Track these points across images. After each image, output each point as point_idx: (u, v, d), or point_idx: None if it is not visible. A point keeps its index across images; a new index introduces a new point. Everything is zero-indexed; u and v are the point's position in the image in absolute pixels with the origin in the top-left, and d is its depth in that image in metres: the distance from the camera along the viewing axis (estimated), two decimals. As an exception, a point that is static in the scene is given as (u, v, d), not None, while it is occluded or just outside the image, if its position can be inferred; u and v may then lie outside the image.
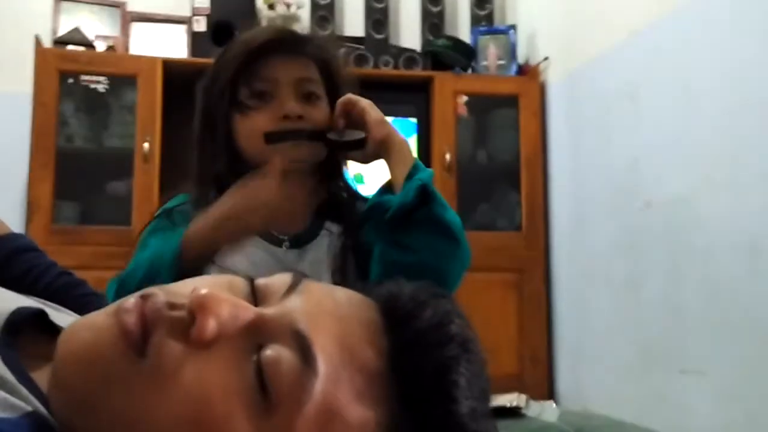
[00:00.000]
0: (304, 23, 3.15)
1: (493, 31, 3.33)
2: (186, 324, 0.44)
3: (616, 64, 2.67)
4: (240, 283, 0.49)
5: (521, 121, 3.14)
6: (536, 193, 3.11)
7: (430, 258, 1.03)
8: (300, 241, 1.12)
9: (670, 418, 2.21)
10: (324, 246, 1.13)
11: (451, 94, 3.11)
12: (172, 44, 3.09)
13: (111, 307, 0.46)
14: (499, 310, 2.96)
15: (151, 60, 2.90)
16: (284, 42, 1.12)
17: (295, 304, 0.47)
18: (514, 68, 3.26)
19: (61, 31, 3.02)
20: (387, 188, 1.10)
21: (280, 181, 1.06)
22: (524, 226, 3.09)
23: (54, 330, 0.53)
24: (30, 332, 0.52)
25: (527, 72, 3.23)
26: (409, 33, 3.41)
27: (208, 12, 3.10)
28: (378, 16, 3.26)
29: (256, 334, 0.45)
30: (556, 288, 3.06)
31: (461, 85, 3.14)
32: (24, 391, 0.45)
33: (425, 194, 1.03)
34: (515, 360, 2.97)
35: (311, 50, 1.14)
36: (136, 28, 3.12)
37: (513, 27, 3.33)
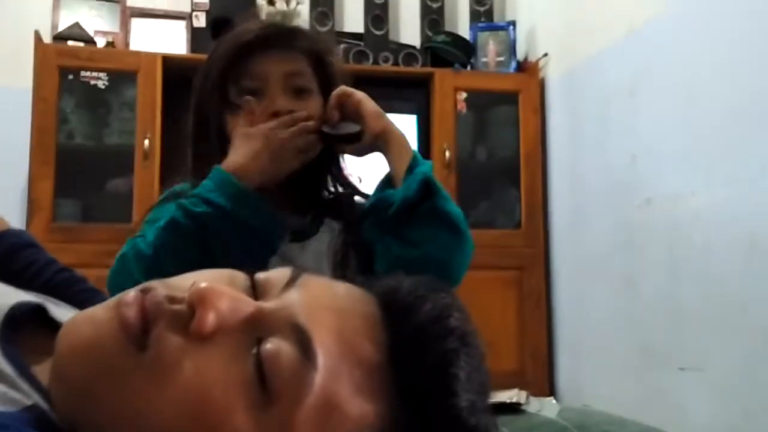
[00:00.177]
0: (303, 19, 3.15)
1: (493, 28, 3.33)
2: (186, 317, 0.44)
3: (615, 60, 2.67)
4: (240, 277, 0.49)
5: (521, 118, 3.14)
6: (536, 189, 3.11)
7: (435, 251, 1.03)
8: (301, 236, 1.12)
9: (669, 415, 2.21)
10: (325, 241, 1.12)
11: (450, 91, 3.11)
12: (171, 40, 3.09)
13: (111, 301, 0.46)
14: (499, 308, 2.96)
15: (151, 56, 2.90)
16: (272, 37, 1.11)
17: (294, 297, 0.47)
18: (513, 65, 3.26)
19: (61, 27, 3.02)
20: (387, 182, 1.09)
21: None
22: (524, 223, 3.09)
23: (54, 325, 0.53)
24: (30, 327, 0.52)
25: (527, 68, 3.23)
26: (408, 29, 3.40)
27: (207, 7, 3.10)
28: (377, 12, 3.26)
29: (256, 327, 0.45)
30: (556, 285, 3.07)
31: (461, 82, 3.14)
32: (24, 385, 0.45)
33: (428, 187, 1.03)
34: (515, 356, 2.97)
35: (300, 43, 1.12)
36: (135, 23, 3.12)
37: (512, 23, 3.33)
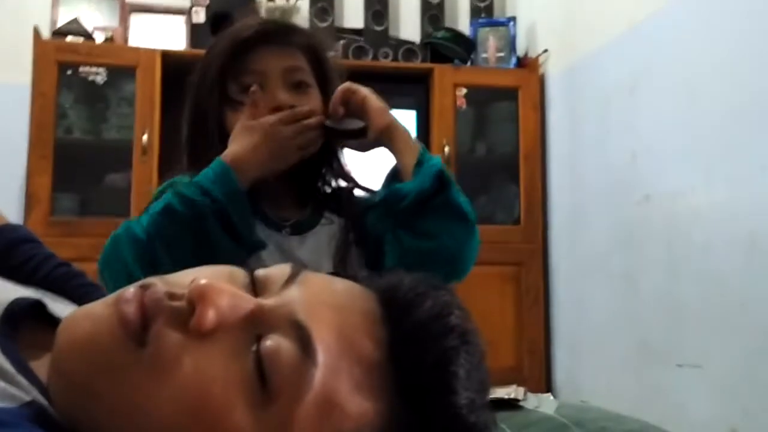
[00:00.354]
0: (303, 15, 3.15)
1: (493, 23, 3.32)
2: (185, 314, 0.44)
3: (615, 57, 2.66)
4: (240, 273, 0.49)
5: (520, 114, 3.14)
6: (535, 186, 3.11)
7: (449, 242, 1.05)
8: (300, 228, 1.12)
9: (667, 412, 2.21)
10: (324, 234, 1.12)
11: (450, 87, 3.11)
12: (171, 35, 3.08)
13: (110, 297, 0.46)
14: (497, 304, 2.97)
15: (150, 51, 2.89)
16: (270, 33, 1.11)
17: (294, 294, 0.47)
18: (513, 61, 3.26)
19: (60, 22, 3.01)
20: (394, 175, 1.10)
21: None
22: (523, 220, 3.09)
23: (52, 320, 0.53)
24: (28, 323, 0.52)
25: (527, 64, 3.22)
26: (408, 25, 3.40)
27: (207, 3, 3.09)
28: (377, 8, 3.25)
29: (256, 324, 0.45)
30: (555, 281, 3.07)
31: (460, 78, 3.14)
32: (23, 380, 0.45)
33: (442, 180, 1.04)
34: (513, 353, 2.97)
35: (297, 39, 1.13)
36: (135, 19, 3.11)
37: (513, 19, 3.32)
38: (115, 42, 3.02)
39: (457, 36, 3.26)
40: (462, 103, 3.12)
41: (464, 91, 3.12)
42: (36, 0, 3.08)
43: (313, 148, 1.09)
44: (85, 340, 0.44)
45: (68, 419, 0.44)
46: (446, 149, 3.03)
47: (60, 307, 0.57)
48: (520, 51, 3.30)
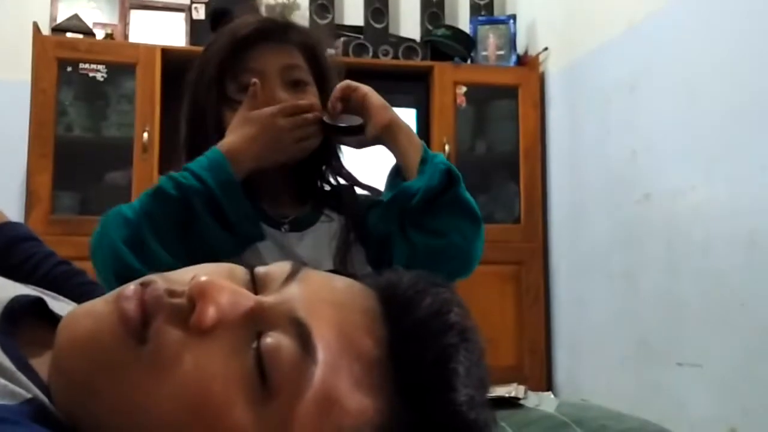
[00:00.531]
0: (303, 11, 3.14)
1: (493, 21, 3.32)
2: (186, 311, 0.44)
3: (615, 55, 2.66)
4: (240, 271, 0.49)
5: (520, 112, 3.14)
6: (535, 184, 3.11)
7: (458, 240, 1.06)
8: (299, 225, 1.12)
9: (667, 410, 2.22)
10: (324, 232, 1.13)
11: (450, 85, 3.11)
12: (171, 32, 3.08)
13: (111, 294, 0.46)
14: (497, 302, 2.97)
15: (150, 48, 2.89)
16: (267, 31, 1.12)
17: (294, 292, 0.47)
18: (513, 59, 3.25)
19: (60, 19, 3.01)
20: (396, 173, 1.10)
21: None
22: (523, 218, 3.09)
23: (52, 318, 0.53)
24: (28, 320, 0.52)
25: (527, 62, 3.22)
26: (408, 22, 3.40)
27: (207, 0, 3.09)
28: (377, 5, 3.25)
29: (256, 321, 0.45)
30: (555, 280, 3.07)
31: (460, 76, 3.14)
32: (23, 378, 0.45)
33: (451, 177, 1.04)
34: (514, 351, 2.98)
35: (295, 37, 1.13)
36: (135, 15, 3.11)
37: (513, 17, 3.32)
38: (115, 39, 3.02)
39: (457, 34, 3.25)
40: (462, 101, 3.12)
41: (464, 89, 3.12)
42: (36, -4, 3.08)
43: (312, 144, 1.09)
44: (85, 338, 0.44)
45: (69, 417, 0.44)
46: (446, 147, 3.03)
47: (60, 306, 0.57)
48: (520, 49, 3.30)
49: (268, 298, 0.46)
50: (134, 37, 3.05)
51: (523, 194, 3.10)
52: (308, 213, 1.14)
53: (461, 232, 1.06)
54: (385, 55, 3.16)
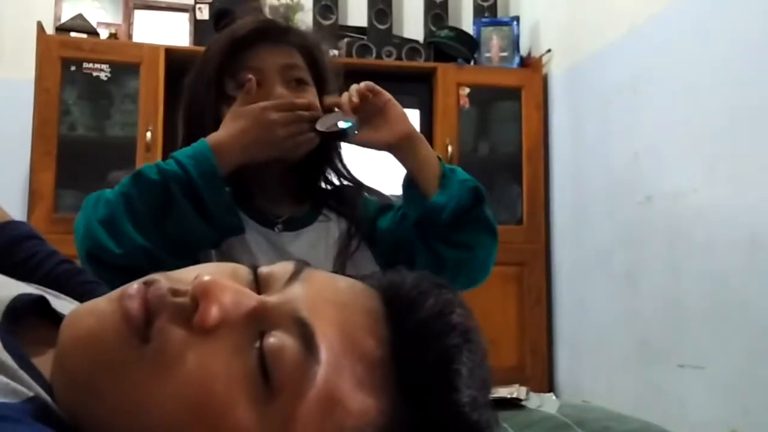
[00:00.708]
0: (307, 12, 3.15)
1: (496, 23, 3.32)
2: (189, 310, 0.44)
3: (618, 57, 2.66)
4: (243, 270, 0.49)
5: (523, 114, 3.14)
6: (537, 186, 3.11)
7: (481, 253, 1.11)
8: (294, 225, 1.12)
9: (668, 411, 2.21)
10: (321, 231, 1.13)
11: (453, 86, 3.11)
12: (174, 32, 3.09)
13: (114, 293, 0.46)
14: (499, 303, 2.96)
15: (154, 48, 2.89)
16: (267, 31, 1.12)
17: (297, 291, 0.47)
18: (516, 60, 3.25)
19: (64, 18, 3.01)
20: (410, 184, 1.10)
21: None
22: (525, 219, 3.08)
23: (55, 317, 0.53)
24: (31, 319, 0.52)
25: (530, 64, 3.22)
26: (412, 24, 3.40)
27: (210, 0, 3.10)
28: (381, 6, 3.25)
29: (259, 321, 0.45)
30: (557, 281, 3.07)
31: (464, 77, 3.14)
32: (26, 376, 0.45)
33: (478, 195, 1.08)
34: (515, 352, 2.97)
35: (294, 38, 1.14)
36: (138, 15, 3.11)
37: (516, 19, 3.32)
38: (119, 38, 3.02)
39: (460, 35, 3.25)
40: (465, 102, 3.12)
41: (467, 90, 3.12)
42: (40, -4, 3.08)
43: (309, 142, 1.08)
44: (88, 336, 0.44)
45: (71, 415, 0.44)
46: (449, 148, 3.03)
47: (62, 304, 0.57)
48: (524, 51, 3.29)
49: (271, 298, 0.46)
50: (138, 37, 3.06)
51: (525, 195, 3.09)
52: (305, 213, 1.14)
53: (484, 246, 1.10)
54: (389, 56, 3.16)
